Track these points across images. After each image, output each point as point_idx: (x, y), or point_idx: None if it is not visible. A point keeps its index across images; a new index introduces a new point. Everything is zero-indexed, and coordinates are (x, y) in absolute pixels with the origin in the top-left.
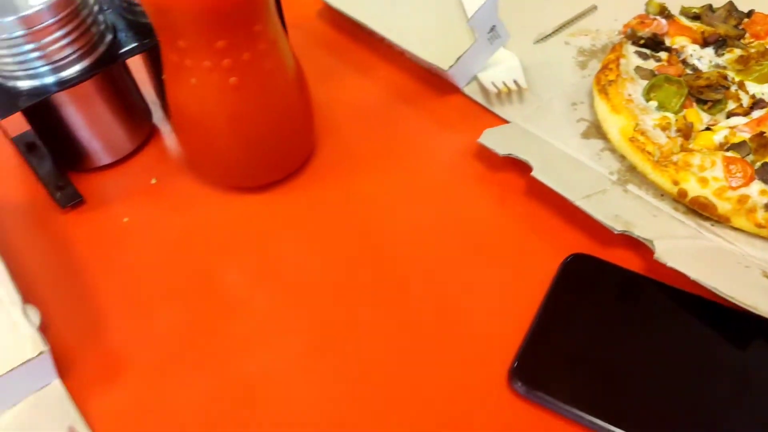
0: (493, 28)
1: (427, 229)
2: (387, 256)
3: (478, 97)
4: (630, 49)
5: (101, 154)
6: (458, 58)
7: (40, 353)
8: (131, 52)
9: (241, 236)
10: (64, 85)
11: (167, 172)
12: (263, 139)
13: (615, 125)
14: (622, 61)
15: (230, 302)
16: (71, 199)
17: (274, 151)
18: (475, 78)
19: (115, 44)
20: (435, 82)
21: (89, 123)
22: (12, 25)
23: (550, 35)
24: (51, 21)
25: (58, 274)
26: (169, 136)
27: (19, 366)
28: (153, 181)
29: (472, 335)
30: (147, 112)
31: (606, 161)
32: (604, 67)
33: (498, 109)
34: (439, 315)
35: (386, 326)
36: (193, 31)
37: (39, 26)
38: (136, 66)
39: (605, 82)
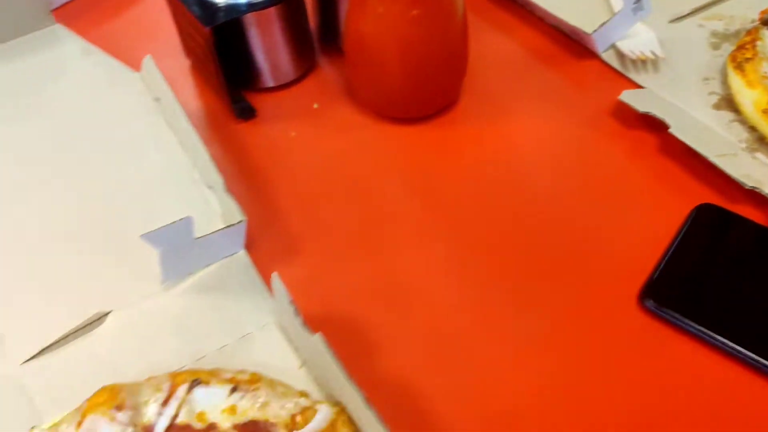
0: (638, 0)
1: (563, 171)
2: (526, 190)
3: (615, 63)
4: (766, 33)
5: (269, 77)
6: (602, 24)
7: (240, 221)
8: None
9: (393, 158)
10: (253, 7)
11: (328, 100)
12: (426, 72)
13: (749, 98)
14: (758, 43)
15: (384, 208)
16: (247, 113)
17: (432, 86)
18: (612, 45)
19: None
20: (572, 46)
21: (264, 47)
22: None
23: (685, 16)
24: None
25: (237, 172)
26: (327, 69)
27: (222, 229)
28: (315, 105)
29: (606, 262)
30: (312, 45)
31: (735, 131)
32: (740, 47)
33: (633, 75)
34: (574, 244)
35: (522, 248)
36: None
37: None
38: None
39: (741, 59)
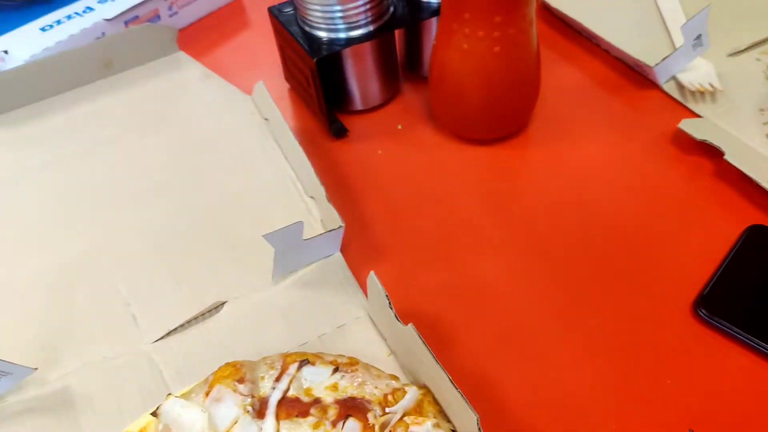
0: (698, 37)
1: (626, 190)
2: (590, 206)
3: (675, 94)
4: None
5: (359, 101)
6: (664, 58)
7: (339, 227)
8: (405, 24)
9: (469, 175)
10: (351, 42)
11: (410, 121)
12: (502, 99)
13: None
14: None
15: (460, 219)
16: (341, 132)
17: (507, 111)
18: (673, 77)
19: (394, 16)
20: (635, 77)
21: (358, 75)
22: None
23: (742, 51)
24: None
25: (331, 183)
26: (410, 94)
27: (324, 233)
28: (399, 126)
29: (663, 274)
30: (398, 73)
31: None
32: None
33: (692, 105)
34: (634, 256)
35: (586, 259)
36: (481, 7)
37: None
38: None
39: None
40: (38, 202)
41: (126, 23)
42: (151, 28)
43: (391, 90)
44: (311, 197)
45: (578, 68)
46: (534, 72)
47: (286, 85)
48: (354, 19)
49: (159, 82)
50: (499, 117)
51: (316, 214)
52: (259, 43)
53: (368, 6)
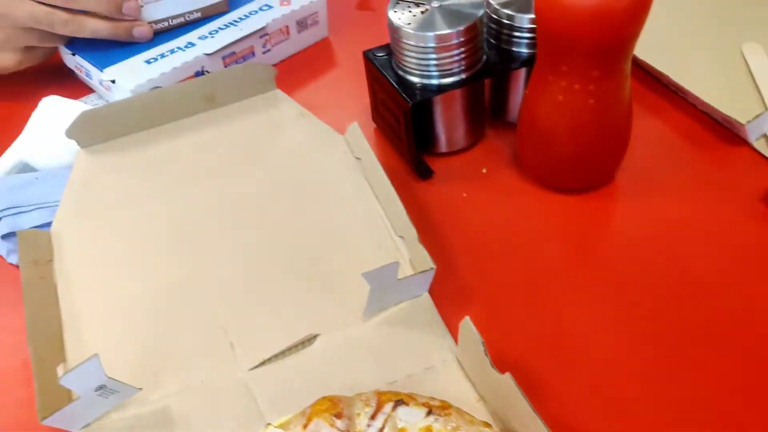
0: None
1: (714, 248)
2: (678, 261)
3: (765, 151)
4: None
5: (445, 144)
6: (756, 116)
7: (431, 268)
8: (497, 74)
9: (554, 223)
10: (443, 89)
11: (495, 166)
12: (593, 151)
13: None
14: None
15: (545, 267)
16: (427, 173)
17: (595, 162)
18: (764, 135)
19: (486, 64)
20: (723, 132)
21: (445, 119)
22: (430, 39)
23: None
24: (456, 42)
25: (416, 224)
26: (495, 139)
27: (416, 274)
28: (484, 170)
29: (754, 336)
30: (484, 118)
31: None
32: None
33: None
34: (722, 316)
35: (675, 313)
36: (581, 62)
37: (446, 43)
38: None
39: None
40: (141, 227)
41: (223, 58)
42: (253, 66)
43: (476, 134)
44: (400, 236)
45: (666, 122)
46: (626, 125)
47: (371, 124)
48: (448, 68)
49: (258, 118)
50: (588, 168)
51: (406, 254)
52: (347, 82)
53: (463, 56)
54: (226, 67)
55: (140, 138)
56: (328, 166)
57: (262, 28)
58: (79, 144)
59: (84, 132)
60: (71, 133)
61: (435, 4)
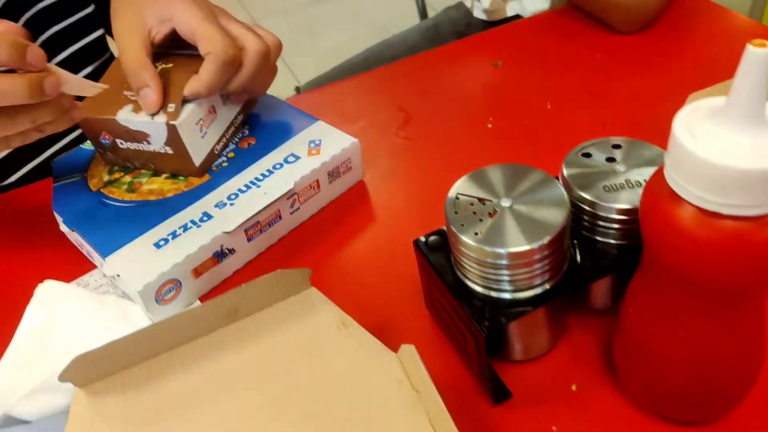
0: None
1: None
2: None
3: None
4: None
5: (521, 352)
6: None
7: None
8: (585, 280)
9: None
10: (517, 304)
11: (585, 377)
12: (718, 385)
13: None
14: None
15: None
16: (504, 396)
17: (720, 392)
18: None
19: (570, 268)
20: None
21: (522, 333)
22: (501, 256)
23: None
24: (534, 258)
25: None
26: (579, 333)
27: None
28: (573, 387)
29: None
30: (566, 317)
31: None
32: None
33: None
34: None
35: None
36: (710, 300)
37: (522, 260)
38: None
39: None
40: None
41: (246, 231)
42: (285, 274)
43: (558, 336)
44: None
45: None
46: (757, 361)
47: (423, 310)
48: (519, 283)
49: (289, 330)
50: (708, 398)
51: None
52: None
53: (546, 268)
54: (249, 240)
55: (149, 369)
56: (375, 392)
57: (289, 190)
58: (75, 384)
59: (80, 373)
60: (65, 377)
61: (505, 203)
